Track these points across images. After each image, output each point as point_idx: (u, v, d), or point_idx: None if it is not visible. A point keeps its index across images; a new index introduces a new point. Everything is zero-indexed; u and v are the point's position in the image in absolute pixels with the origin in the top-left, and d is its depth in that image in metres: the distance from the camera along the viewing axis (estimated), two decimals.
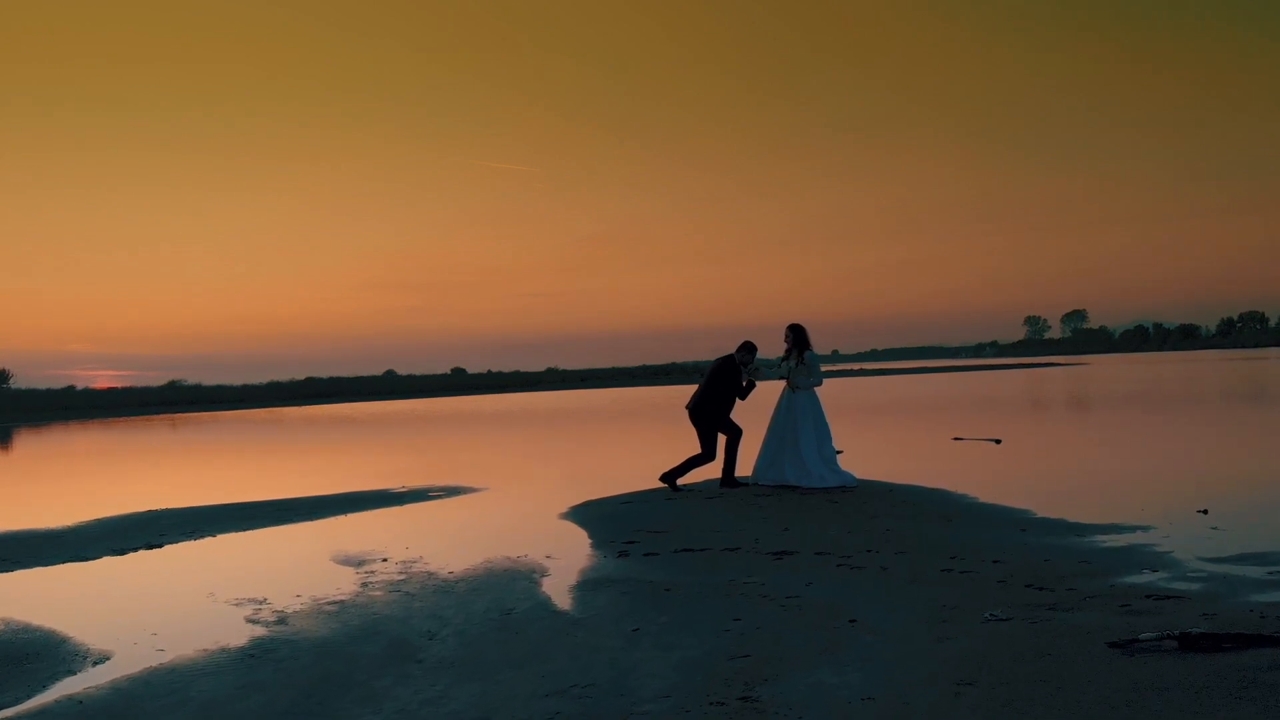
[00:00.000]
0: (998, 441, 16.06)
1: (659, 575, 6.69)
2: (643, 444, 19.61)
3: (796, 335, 11.34)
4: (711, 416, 11.27)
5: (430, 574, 7.14)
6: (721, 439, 11.32)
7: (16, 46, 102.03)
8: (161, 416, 48.18)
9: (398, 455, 18.90)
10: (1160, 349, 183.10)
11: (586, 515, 9.64)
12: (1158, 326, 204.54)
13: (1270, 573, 6.09)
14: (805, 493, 10.61)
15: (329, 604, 6.32)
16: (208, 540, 9.27)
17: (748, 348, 11.43)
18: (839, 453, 15.44)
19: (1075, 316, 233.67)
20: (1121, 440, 15.92)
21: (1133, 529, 7.82)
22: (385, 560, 7.78)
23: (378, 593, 6.59)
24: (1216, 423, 18.99)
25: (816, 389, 11.34)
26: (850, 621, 5.27)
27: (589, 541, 8.18)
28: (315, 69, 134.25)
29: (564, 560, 7.43)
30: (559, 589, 6.46)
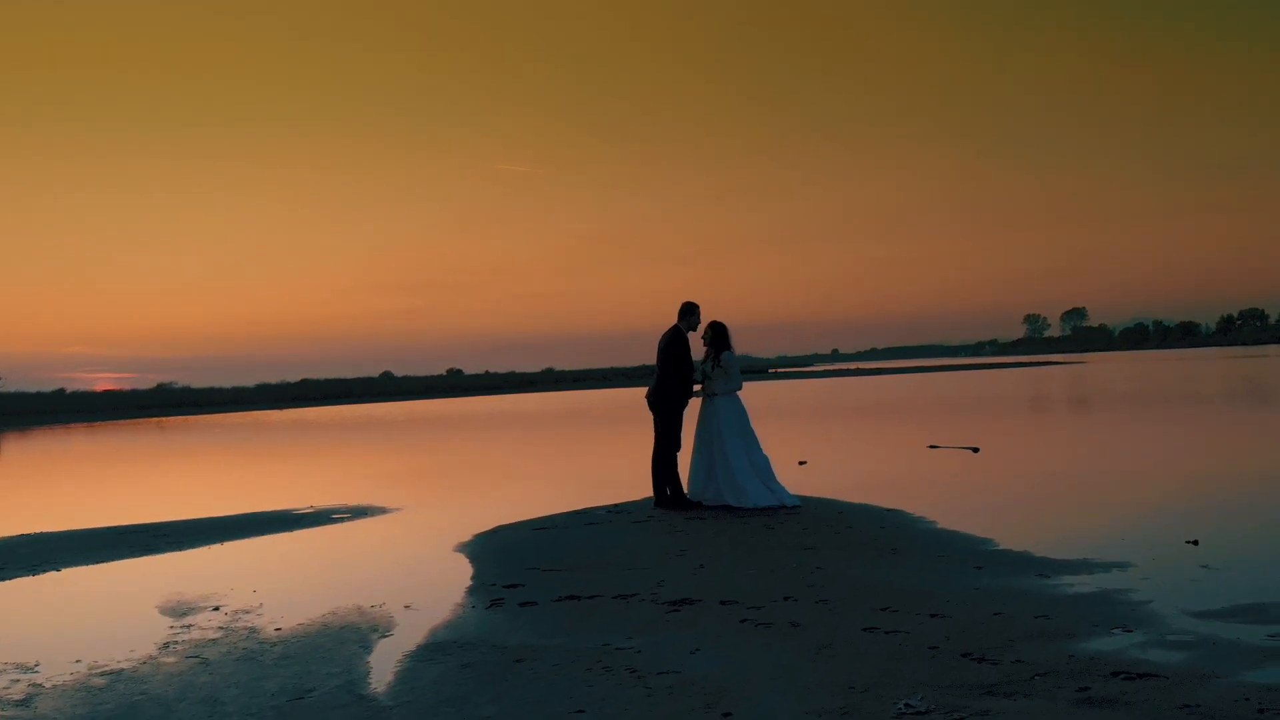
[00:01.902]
0: (975, 450, 14.81)
1: (520, 637, 5.43)
2: (612, 451, 18.36)
3: (715, 334, 10.07)
4: (672, 399, 9.94)
5: (252, 631, 5.89)
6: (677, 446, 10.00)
7: (14, 52, 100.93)
8: (144, 421, 47.02)
9: (343, 465, 17.67)
10: (1160, 347, 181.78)
11: (485, 547, 8.38)
12: (1157, 324, 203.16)
13: (1270, 635, 4.83)
14: (744, 515, 9.36)
15: (99, 676, 5.07)
16: (46, 576, 8.04)
17: (689, 309, 10.09)
18: (803, 463, 14.36)
19: (1075, 315, 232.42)
20: (1109, 449, 14.65)
21: (1108, 567, 6.56)
22: (217, 609, 6.54)
23: (170, 659, 5.34)
24: (1214, 428, 17.72)
25: (738, 393, 10.05)
26: (723, 717, 4.02)
27: (468, 584, 6.92)
28: (310, 73, 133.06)
29: (422, 612, 6.18)
30: (389, 657, 5.20)
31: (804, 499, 10.30)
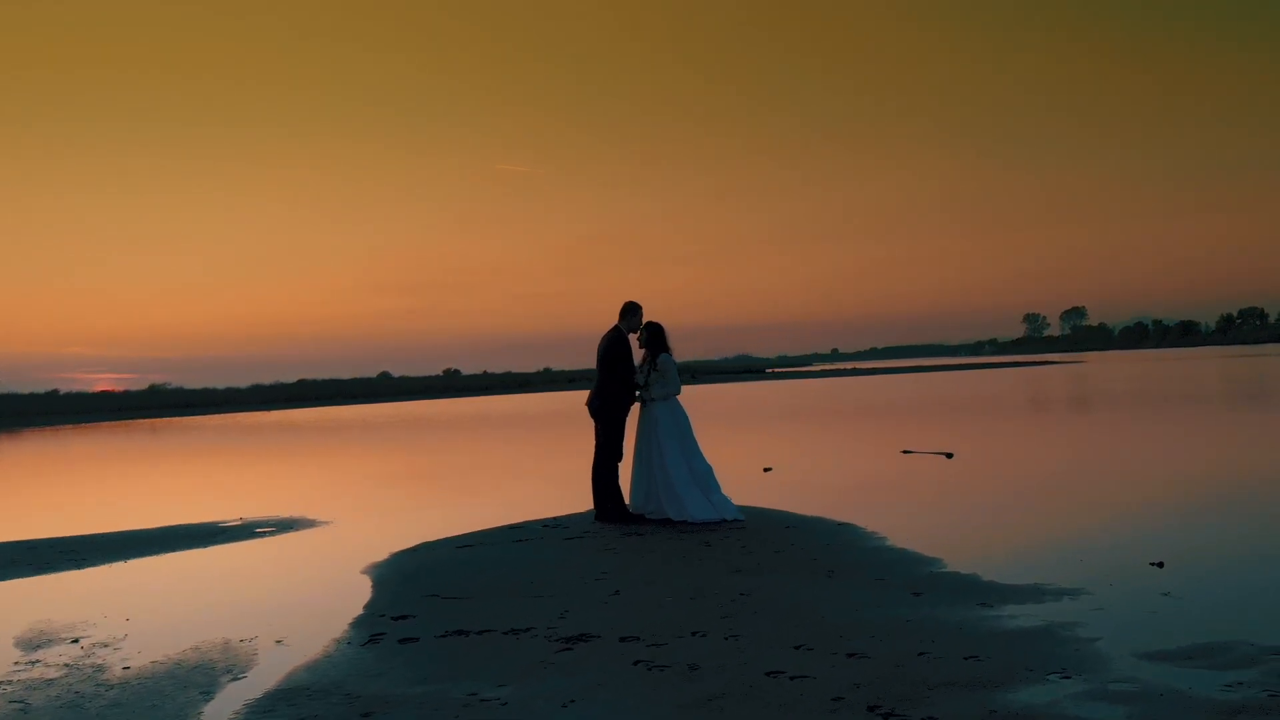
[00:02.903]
0: (949, 456, 14.18)
1: (380, 684, 4.79)
2: (584, 456, 17.74)
3: (652, 336, 9.43)
4: (613, 406, 9.31)
5: (97, 670, 5.26)
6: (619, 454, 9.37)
7: (13, 52, 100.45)
8: (136, 422, 46.35)
9: (302, 470, 17.01)
10: (1160, 346, 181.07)
11: (396, 568, 7.75)
12: (1157, 323, 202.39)
13: (1226, 686, 4.20)
14: (685, 530, 8.73)
15: None
16: None
17: (631, 309, 9.45)
18: (768, 469, 13.71)
19: (1074, 314, 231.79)
20: (1089, 455, 14.02)
21: (1059, 594, 5.93)
22: (76, 641, 5.91)
23: None
24: (1203, 432, 17.08)
25: (678, 397, 9.41)
26: None
27: (356, 615, 6.28)
28: (308, 73, 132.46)
29: (291, 649, 5.54)
30: (227, 707, 4.57)
31: (757, 511, 9.69)
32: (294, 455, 21.71)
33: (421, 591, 6.75)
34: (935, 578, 6.52)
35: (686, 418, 9.38)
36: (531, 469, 15.90)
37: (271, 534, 9.97)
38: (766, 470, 13.56)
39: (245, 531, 10.16)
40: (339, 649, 5.46)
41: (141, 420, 50.14)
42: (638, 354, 9.52)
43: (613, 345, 9.32)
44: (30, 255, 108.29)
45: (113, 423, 49.46)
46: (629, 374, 9.33)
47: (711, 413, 30.97)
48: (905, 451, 15.07)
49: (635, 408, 9.52)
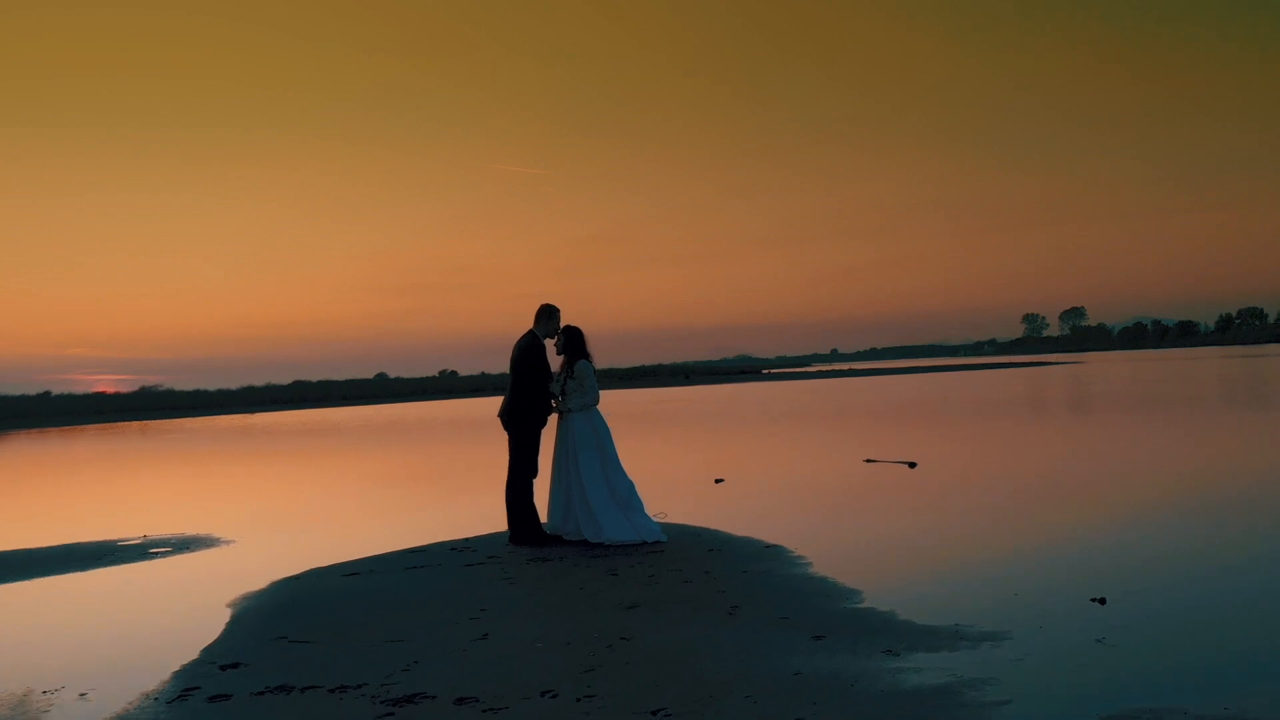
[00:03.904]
0: (912, 465, 13.45)
1: None
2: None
3: (569, 340, 8.69)
4: (527, 418, 8.58)
5: None
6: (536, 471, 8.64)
7: (14, 56, 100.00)
8: (119, 425, 45.65)
9: (244, 479, 16.25)
10: (1159, 346, 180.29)
11: (266, 600, 7.01)
12: (1156, 324, 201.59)
13: None
14: (599, 553, 8.01)
15: None
16: None
17: (548, 312, 8.73)
18: (720, 480, 12.96)
19: (1074, 314, 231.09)
20: (1058, 465, 13.28)
21: (978, 640, 5.19)
22: None
23: None
24: (1185, 440, 16.34)
25: (597, 408, 8.69)
26: None
27: (189, 659, 5.55)
28: (305, 76, 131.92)
29: (91, 704, 4.82)
30: None
31: (687, 530, 8.98)
32: (247, 462, 20.97)
33: (273, 632, 6.02)
34: (846, 616, 5.79)
35: (607, 430, 8.65)
36: (477, 480, 15.16)
37: (165, 555, 9.25)
38: (718, 481, 12.85)
39: (139, 552, 9.44)
40: (140, 707, 4.73)
41: (128, 423, 49.49)
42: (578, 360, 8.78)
43: (526, 352, 8.58)
44: (32, 256, 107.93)
45: (98, 425, 48.83)
46: (544, 383, 8.59)
47: (688, 415, 30.28)
48: (868, 460, 14.34)
49: (553, 419, 8.80)
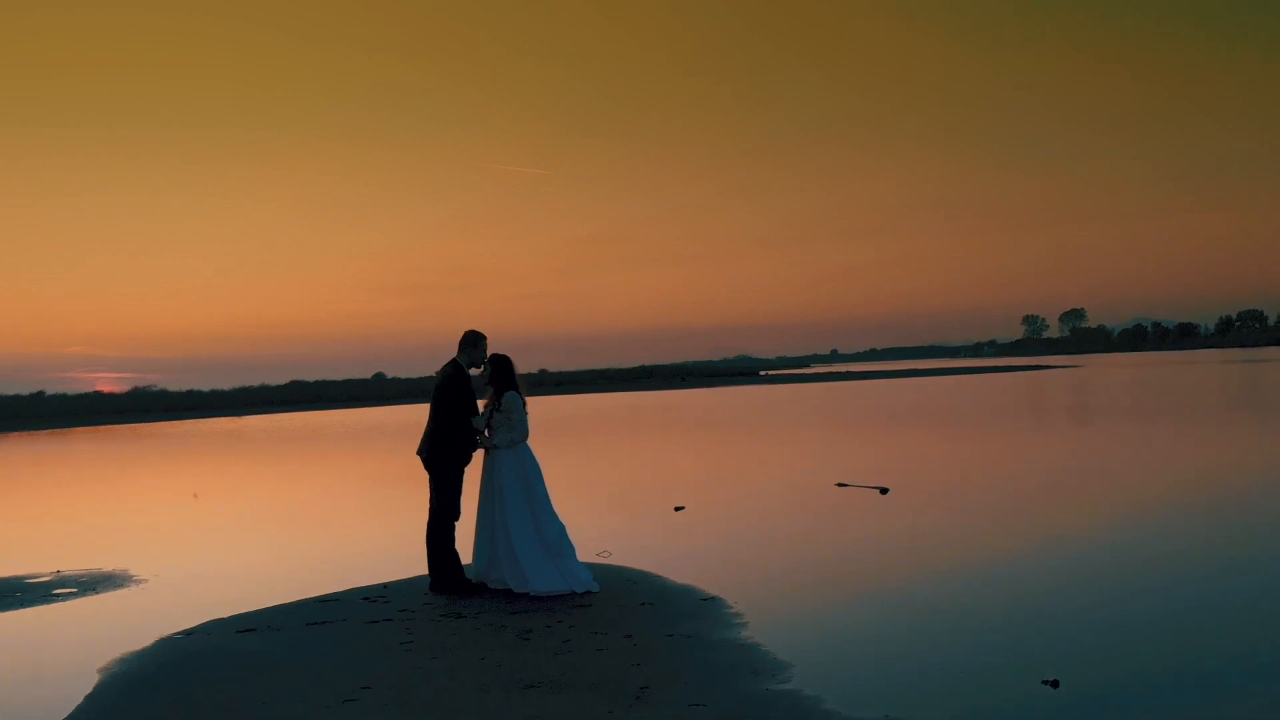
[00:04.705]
0: (883, 491, 12.79)
1: None
2: None
3: (496, 370, 8.02)
4: (449, 456, 7.89)
5: None
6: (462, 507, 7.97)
7: (14, 56, 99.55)
8: (107, 429, 44.99)
9: (187, 497, 15.55)
10: (1159, 348, 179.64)
11: (141, 665, 6.34)
12: (1156, 325, 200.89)
13: None
14: (521, 606, 7.34)
15: None
16: None
17: (473, 340, 8.05)
18: (680, 508, 12.27)
19: (1073, 316, 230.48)
20: (1042, 493, 12.61)
21: None
22: None
23: None
24: (1183, 460, 15.68)
25: (527, 443, 8.02)
26: None
27: None
28: (304, 77, 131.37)
29: None
30: None
31: (623, 575, 8.32)
32: (208, 474, 20.27)
33: (122, 713, 5.35)
34: (767, 701, 5.12)
35: (537, 468, 7.98)
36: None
37: (66, 598, 8.59)
38: (678, 509, 12.18)
39: (41, 593, 8.79)
40: None
41: (115, 426, 48.92)
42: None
43: (448, 383, 7.91)
44: (32, 256, 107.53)
45: (87, 428, 48.27)
46: (467, 417, 7.92)
47: (671, 423, 29.54)
48: (840, 484, 13.67)
49: (479, 455, 8.13)
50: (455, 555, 7.92)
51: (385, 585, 8.38)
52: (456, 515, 7.96)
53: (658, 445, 23.33)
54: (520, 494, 7.80)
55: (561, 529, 7.89)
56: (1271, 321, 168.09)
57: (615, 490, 14.69)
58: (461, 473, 7.99)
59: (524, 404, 7.99)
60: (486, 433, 7.96)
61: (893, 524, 10.52)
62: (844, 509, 11.68)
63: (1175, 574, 7.77)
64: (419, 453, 8.09)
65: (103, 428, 49.47)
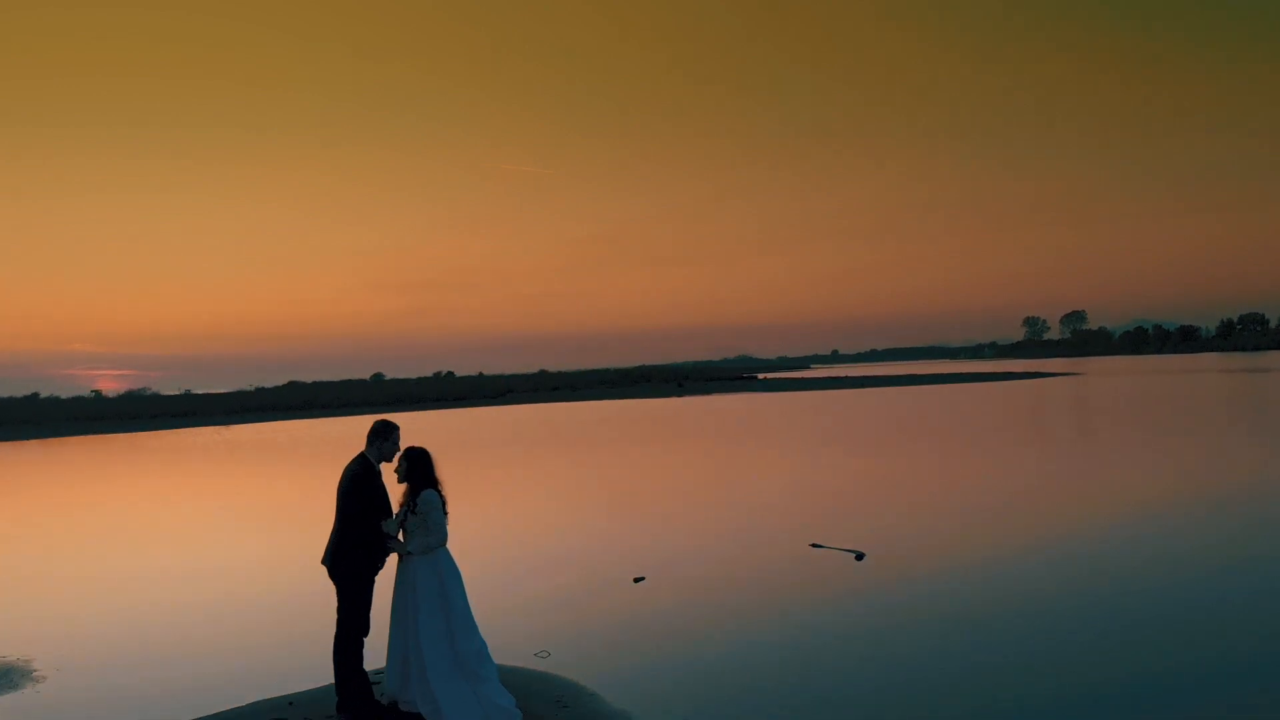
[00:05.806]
0: (859, 557, 11.99)
1: None
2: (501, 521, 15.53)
3: (411, 466, 7.19)
4: (356, 565, 7.08)
5: None
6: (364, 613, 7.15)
7: (16, 56, 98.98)
8: (93, 438, 44.20)
9: (133, 554, 14.75)
10: (1160, 351, 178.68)
11: None
12: (1157, 328, 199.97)
13: None
14: None
15: None
16: None
17: (384, 430, 7.25)
18: (640, 579, 11.41)
19: (1074, 318, 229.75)
20: (1037, 568, 11.80)
21: None
22: None
23: None
24: (1181, 505, 14.88)
25: (445, 546, 7.20)
26: None
27: None
28: (305, 77, 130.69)
29: None
30: None
31: (554, 687, 7.53)
32: (164, 516, 19.46)
33: None
34: None
35: (457, 575, 7.17)
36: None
37: None
38: (637, 581, 11.37)
39: None
40: None
41: (100, 436, 48.20)
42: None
43: (354, 483, 7.09)
44: (32, 255, 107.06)
45: (74, 437, 47.62)
46: (376, 520, 7.11)
47: (653, 449, 28.66)
48: (814, 545, 12.87)
49: (393, 559, 7.33)
50: (364, 675, 7.11)
51: (293, 696, 7.60)
52: (365, 631, 7.14)
53: (629, 481, 22.51)
54: (436, 607, 7.00)
55: (482, 647, 7.09)
56: (1273, 324, 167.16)
57: (573, 547, 13.85)
58: (371, 583, 7.17)
59: (443, 503, 7.19)
60: (401, 537, 7.17)
61: (863, 603, 9.70)
62: (813, 576, 10.89)
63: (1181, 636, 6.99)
64: (323, 561, 7.26)
65: (87, 437, 48.85)
